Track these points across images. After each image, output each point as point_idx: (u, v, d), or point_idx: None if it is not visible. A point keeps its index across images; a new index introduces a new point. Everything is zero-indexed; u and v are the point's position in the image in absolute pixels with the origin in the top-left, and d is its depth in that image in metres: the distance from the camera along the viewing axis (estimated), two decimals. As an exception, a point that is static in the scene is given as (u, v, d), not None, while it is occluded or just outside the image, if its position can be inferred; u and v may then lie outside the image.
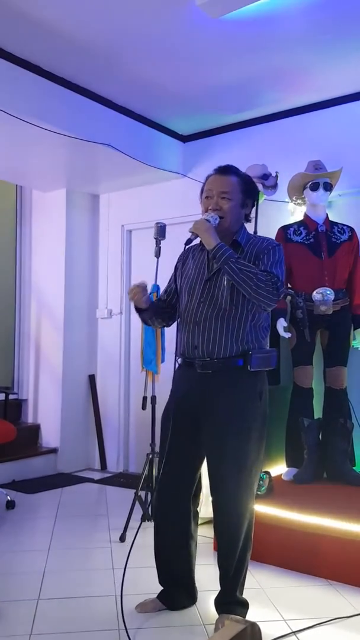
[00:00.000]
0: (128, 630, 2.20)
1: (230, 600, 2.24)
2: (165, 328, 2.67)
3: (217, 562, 2.28)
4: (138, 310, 2.45)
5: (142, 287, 2.37)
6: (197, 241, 2.32)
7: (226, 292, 2.24)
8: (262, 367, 2.27)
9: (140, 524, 2.35)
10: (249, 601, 2.28)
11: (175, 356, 2.36)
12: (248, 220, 2.43)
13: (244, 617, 2.21)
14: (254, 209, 3.79)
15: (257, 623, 2.12)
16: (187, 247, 2.34)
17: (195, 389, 2.28)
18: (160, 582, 2.43)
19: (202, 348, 2.25)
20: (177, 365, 2.39)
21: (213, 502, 2.29)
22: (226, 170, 2.34)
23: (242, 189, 2.33)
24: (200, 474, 2.41)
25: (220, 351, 2.23)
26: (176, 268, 2.51)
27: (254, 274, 2.16)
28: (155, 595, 2.43)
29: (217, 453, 2.24)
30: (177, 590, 2.41)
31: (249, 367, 2.22)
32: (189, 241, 2.30)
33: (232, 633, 1.99)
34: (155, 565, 2.43)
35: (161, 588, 2.44)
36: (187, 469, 2.33)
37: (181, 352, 2.35)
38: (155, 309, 2.48)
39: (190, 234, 2.27)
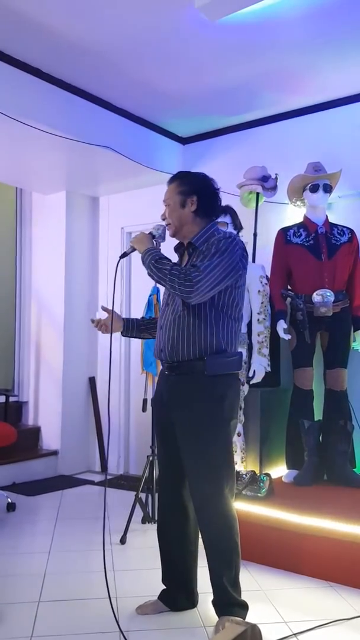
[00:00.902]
0: (128, 632, 2.21)
1: (230, 602, 2.23)
2: None
3: None
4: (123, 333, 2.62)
5: (105, 317, 2.53)
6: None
7: None
8: (221, 371, 2.22)
9: (104, 526, 2.36)
10: (249, 603, 2.28)
11: None
12: (206, 216, 2.33)
13: (244, 618, 2.20)
14: (251, 208, 3.77)
15: (258, 625, 2.12)
16: (120, 259, 2.44)
17: (165, 390, 2.34)
18: (162, 580, 2.44)
19: (166, 351, 2.28)
20: None
21: None
22: (169, 180, 2.39)
23: (179, 191, 2.32)
24: None
25: (179, 354, 2.24)
26: None
27: (168, 270, 2.17)
28: (156, 597, 2.43)
29: (184, 455, 2.26)
30: (176, 591, 2.41)
31: (204, 371, 2.20)
32: (124, 254, 2.42)
33: (232, 635, 1.99)
34: (154, 567, 2.44)
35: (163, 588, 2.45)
36: (173, 467, 2.35)
37: (155, 355, 2.43)
38: (141, 326, 2.61)
39: (129, 247, 2.38)
